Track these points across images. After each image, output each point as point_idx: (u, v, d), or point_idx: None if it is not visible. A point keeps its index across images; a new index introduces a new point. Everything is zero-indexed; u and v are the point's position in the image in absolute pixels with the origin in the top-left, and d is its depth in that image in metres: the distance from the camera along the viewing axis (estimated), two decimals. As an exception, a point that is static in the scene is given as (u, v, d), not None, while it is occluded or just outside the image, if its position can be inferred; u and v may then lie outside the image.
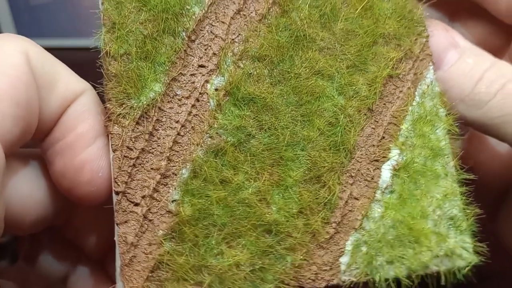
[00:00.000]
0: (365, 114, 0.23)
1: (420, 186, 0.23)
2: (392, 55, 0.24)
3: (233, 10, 0.22)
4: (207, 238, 0.19)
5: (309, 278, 0.20)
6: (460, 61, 0.25)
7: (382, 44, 0.24)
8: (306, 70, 0.22)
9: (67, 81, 0.22)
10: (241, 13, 0.22)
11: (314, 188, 0.21)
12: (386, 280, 0.21)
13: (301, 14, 0.23)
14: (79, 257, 0.26)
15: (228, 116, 0.21)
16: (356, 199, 0.22)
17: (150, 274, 0.18)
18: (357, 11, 0.23)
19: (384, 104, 0.23)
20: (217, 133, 0.21)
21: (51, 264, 0.25)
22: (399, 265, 0.21)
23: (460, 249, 0.22)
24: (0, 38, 0.20)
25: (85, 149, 0.21)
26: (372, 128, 0.23)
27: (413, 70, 0.24)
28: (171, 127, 0.21)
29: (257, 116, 0.21)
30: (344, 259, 0.21)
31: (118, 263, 0.19)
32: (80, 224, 0.25)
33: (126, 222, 0.19)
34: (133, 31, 0.21)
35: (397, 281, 0.22)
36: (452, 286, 0.22)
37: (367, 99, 0.23)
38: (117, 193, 0.20)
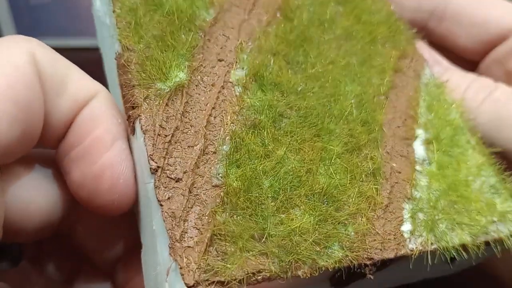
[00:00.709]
0: (383, 101, 0.24)
1: (454, 158, 0.23)
2: (393, 53, 0.26)
3: (240, 19, 0.23)
4: (262, 208, 0.18)
5: (376, 248, 0.19)
6: (446, 74, 0.27)
7: (380, 44, 0.26)
8: (321, 61, 0.23)
9: (78, 82, 0.20)
10: (248, 21, 0.24)
11: (358, 159, 0.21)
12: (454, 248, 0.21)
13: (303, 20, 0.24)
14: (84, 266, 0.25)
15: (257, 98, 0.21)
16: (399, 172, 0.22)
17: (207, 249, 0.17)
18: (350, 20, 0.26)
19: (396, 93, 0.25)
20: (249, 113, 0.21)
21: (54, 272, 0.25)
22: (461, 231, 0.21)
23: (511, 214, 0.22)
24: (7, 39, 0.19)
25: (104, 154, 0.19)
26: (393, 112, 0.24)
27: (411, 67, 0.26)
28: (201, 110, 0.20)
29: (284, 98, 0.21)
30: (405, 228, 0.20)
31: (162, 249, 0.18)
32: (85, 232, 0.24)
33: (169, 198, 0.18)
34: (150, 29, 0.21)
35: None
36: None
37: (381, 87, 0.24)
38: (155, 170, 0.18)
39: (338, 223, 0.19)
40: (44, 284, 0.24)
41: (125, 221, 0.23)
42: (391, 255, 0.19)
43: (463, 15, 0.29)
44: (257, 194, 0.18)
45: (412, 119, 0.24)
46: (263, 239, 0.17)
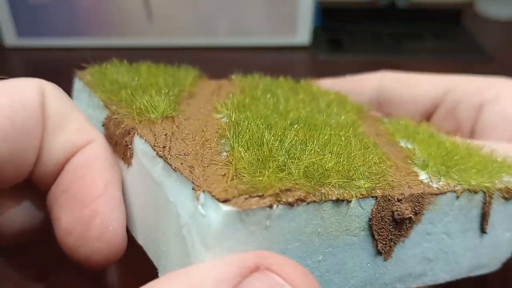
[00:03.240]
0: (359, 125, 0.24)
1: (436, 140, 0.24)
2: (352, 111, 0.26)
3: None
4: (276, 149, 0.17)
5: (403, 185, 0.19)
6: None
7: (339, 108, 0.26)
8: (290, 105, 0.24)
9: (79, 125, 0.20)
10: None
11: (355, 138, 0.21)
12: (475, 191, 0.20)
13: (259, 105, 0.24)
14: (58, 260, 0.25)
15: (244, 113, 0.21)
16: (397, 151, 0.22)
17: (233, 177, 0.16)
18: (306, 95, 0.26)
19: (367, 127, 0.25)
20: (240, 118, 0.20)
21: (28, 267, 0.24)
22: (475, 172, 0.21)
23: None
24: (22, 78, 0.20)
25: (95, 200, 0.19)
26: (368, 128, 0.24)
27: (371, 118, 0.27)
28: (195, 122, 0.21)
29: (270, 115, 0.22)
30: (422, 177, 0.20)
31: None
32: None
33: (182, 163, 0.17)
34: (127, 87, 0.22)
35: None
36: None
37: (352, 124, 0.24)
38: (160, 152, 0.18)
39: (357, 166, 0.18)
40: (18, 278, 0.24)
41: None
42: (420, 190, 0.19)
43: (394, 97, 0.32)
44: (269, 146, 0.17)
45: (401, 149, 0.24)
46: (286, 170, 0.16)
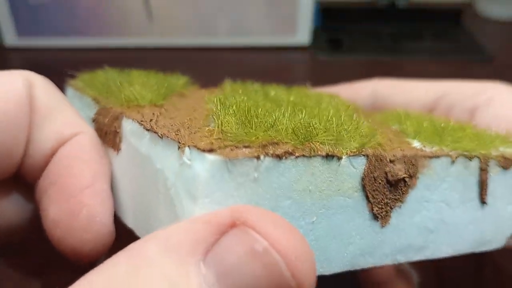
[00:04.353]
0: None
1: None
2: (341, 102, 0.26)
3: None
4: (264, 113, 0.17)
5: (396, 148, 0.19)
6: None
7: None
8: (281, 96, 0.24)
9: (67, 118, 0.20)
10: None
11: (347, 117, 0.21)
12: (470, 157, 0.20)
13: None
14: (53, 257, 0.24)
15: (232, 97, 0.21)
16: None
17: (219, 132, 0.16)
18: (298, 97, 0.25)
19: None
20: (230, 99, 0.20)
21: (25, 265, 0.24)
22: (468, 142, 0.21)
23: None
24: (9, 71, 0.19)
25: (82, 190, 0.19)
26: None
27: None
28: (184, 109, 0.20)
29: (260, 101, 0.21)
30: (415, 144, 0.20)
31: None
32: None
33: (168, 131, 0.17)
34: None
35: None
36: None
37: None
38: (147, 125, 0.18)
39: (346, 128, 0.18)
40: (18, 278, 0.24)
41: None
42: (413, 152, 0.19)
43: (388, 103, 0.32)
44: (257, 113, 0.17)
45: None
46: (274, 128, 0.16)
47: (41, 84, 0.19)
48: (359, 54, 0.67)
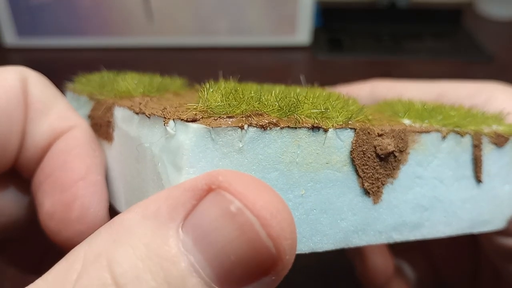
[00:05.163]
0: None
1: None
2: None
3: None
4: (254, 94, 0.17)
5: (384, 124, 0.19)
6: None
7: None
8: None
9: (61, 112, 0.20)
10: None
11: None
12: (461, 133, 0.20)
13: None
14: (50, 251, 0.24)
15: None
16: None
17: (204, 108, 0.16)
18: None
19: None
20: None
21: (22, 260, 0.24)
22: (459, 119, 0.20)
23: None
24: (4, 66, 0.20)
25: (76, 183, 0.19)
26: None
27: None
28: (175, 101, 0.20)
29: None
30: (405, 122, 0.20)
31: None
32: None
33: (156, 111, 0.17)
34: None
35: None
36: None
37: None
38: (137, 109, 0.18)
39: (333, 103, 0.18)
40: (17, 277, 0.24)
41: None
42: (401, 127, 0.18)
43: None
44: (243, 91, 0.17)
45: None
46: (260, 101, 0.16)
47: (35, 80, 0.20)
48: (359, 54, 0.67)
